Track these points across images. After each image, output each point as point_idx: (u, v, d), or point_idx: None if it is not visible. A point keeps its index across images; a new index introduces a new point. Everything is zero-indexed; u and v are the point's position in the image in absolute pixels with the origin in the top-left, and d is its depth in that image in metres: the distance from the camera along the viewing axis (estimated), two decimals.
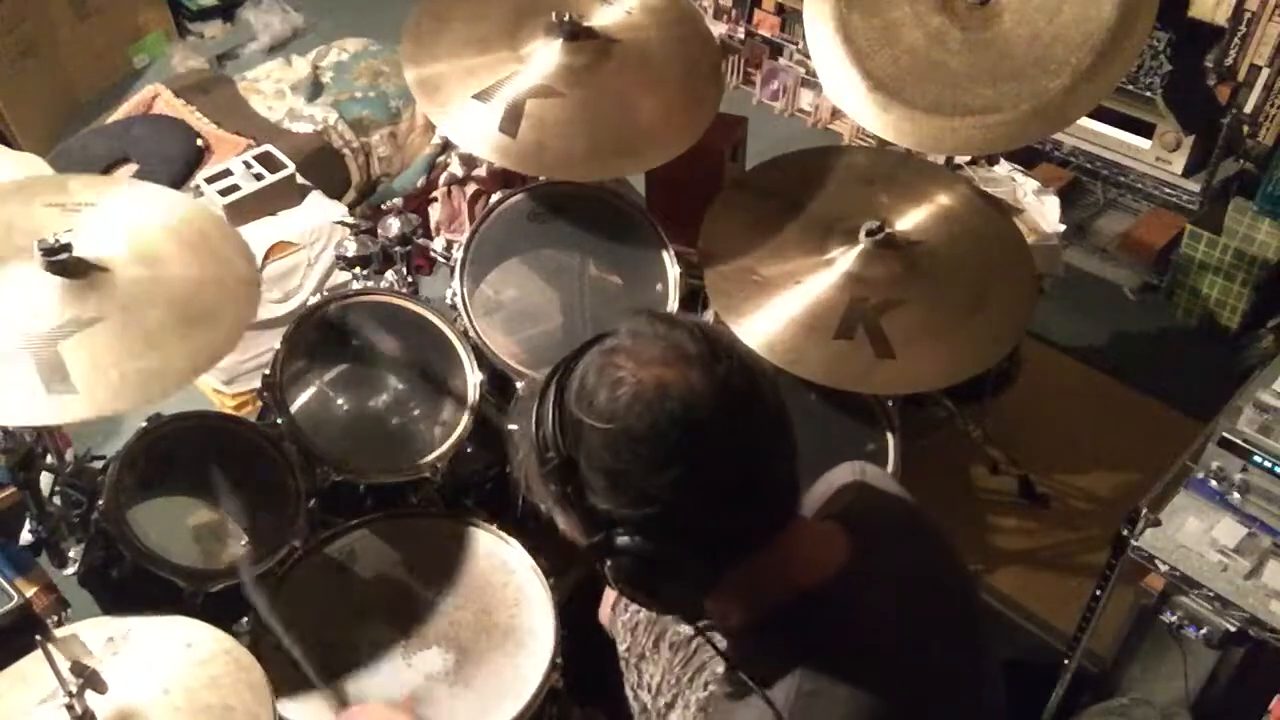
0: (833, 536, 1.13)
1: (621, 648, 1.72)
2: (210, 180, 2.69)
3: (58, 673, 1.39)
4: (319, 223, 2.74)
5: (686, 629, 1.60)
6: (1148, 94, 3.14)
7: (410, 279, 2.31)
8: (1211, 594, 1.87)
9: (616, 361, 0.98)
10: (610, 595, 1.84)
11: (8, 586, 1.92)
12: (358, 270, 2.25)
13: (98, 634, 1.55)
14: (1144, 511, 1.92)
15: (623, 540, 0.99)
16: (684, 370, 0.97)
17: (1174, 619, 1.96)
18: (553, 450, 1.00)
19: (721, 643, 1.17)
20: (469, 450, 2.10)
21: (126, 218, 1.90)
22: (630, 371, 0.97)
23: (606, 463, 0.97)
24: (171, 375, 1.72)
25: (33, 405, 1.63)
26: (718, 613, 1.14)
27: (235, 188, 2.68)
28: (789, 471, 1.04)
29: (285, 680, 1.71)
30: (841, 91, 2.22)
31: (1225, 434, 1.92)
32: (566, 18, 2.18)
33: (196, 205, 2.01)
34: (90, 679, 1.40)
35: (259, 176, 2.71)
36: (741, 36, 3.98)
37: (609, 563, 1.02)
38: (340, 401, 2.10)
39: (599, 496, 0.99)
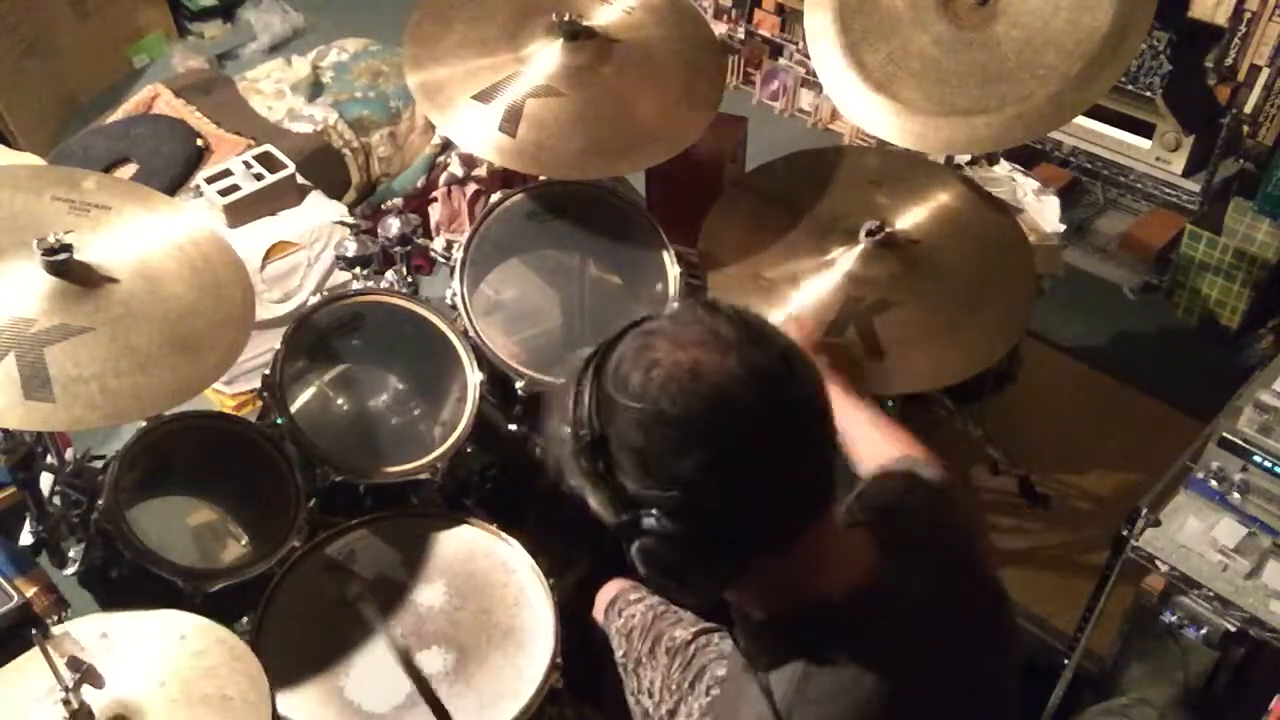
0: (863, 547, 1.12)
1: (618, 653, 1.71)
2: (210, 180, 2.69)
3: (54, 668, 1.39)
4: (319, 223, 2.73)
5: (683, 634, 1.60)
6: (1148, 94, 3.14)
7: (410, 279, 2.31)
8: (1211, 594, 1.87)
9: (653, 344, 0.99)
10: (604, 596, 1.83)
11: (8, 586, 1.92)
12: (358, 270, 2.25)
13: (91, 629, 1.55)
14: (1144, 511, 1.92)
15: (649, 522, 0.99)
16: (718, 355, 0.96)
17: (1174, 619, 1.96)
18: (586, 428, 1.00)
19: (726, 642, 1.17)
20: (469, 450, 2.10)
21: (134, 227, 1.86)
22: (665, 353, 0.97)
23: (636, 443, 0.97)
24: (151, 399, 1.70)
25: (8, 408, 1.59)
26: (737, 605, 1.13)
27: (235, 188, 2.67)
28: (822, 465, 1.02)
29: (282, 672, 1.71)
30: (841, 91, 2.22)
31: (1225, 434, 1.92)
32: (566, 18, 2.19)
33: (208, 227, 1.96)
34: (87, 674, 1.40)
35: (259, 176, 2.71)
36: (741, 36, 3.97)
37: (635, 545, 1.01)
38: (340, 401, 2.10)
39: (628, 476, 0.99)
